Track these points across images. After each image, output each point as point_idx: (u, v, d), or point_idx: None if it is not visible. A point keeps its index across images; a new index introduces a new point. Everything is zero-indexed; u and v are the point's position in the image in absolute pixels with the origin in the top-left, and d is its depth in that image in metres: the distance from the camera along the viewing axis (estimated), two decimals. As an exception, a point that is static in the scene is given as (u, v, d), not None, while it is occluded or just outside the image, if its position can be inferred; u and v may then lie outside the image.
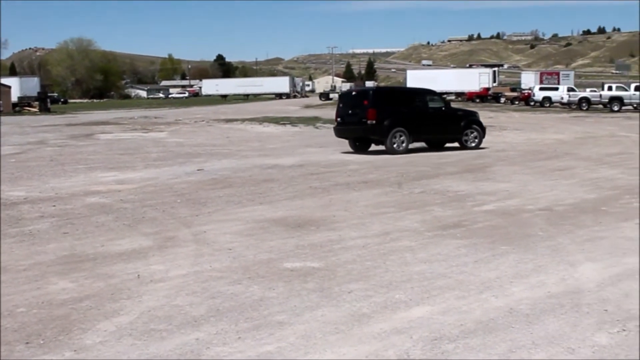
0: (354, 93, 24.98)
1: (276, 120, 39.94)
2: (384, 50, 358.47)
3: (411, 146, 22.72)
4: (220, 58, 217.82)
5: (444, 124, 23.39)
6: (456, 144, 23.47)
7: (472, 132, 23.45)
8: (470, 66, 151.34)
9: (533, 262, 8.09)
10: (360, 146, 22.68)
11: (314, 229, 9.96)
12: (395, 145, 21.93)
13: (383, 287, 7.06)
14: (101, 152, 23.14)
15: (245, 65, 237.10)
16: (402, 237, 9.41)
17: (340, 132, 23.48)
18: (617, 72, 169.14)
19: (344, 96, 25.52)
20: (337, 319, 6.14)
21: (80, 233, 9.92)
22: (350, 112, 22.86)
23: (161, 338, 5.70)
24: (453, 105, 27.69)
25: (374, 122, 21.90)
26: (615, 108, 53.90)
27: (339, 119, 23.37)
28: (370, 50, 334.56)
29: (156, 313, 6.31)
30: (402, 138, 22.06)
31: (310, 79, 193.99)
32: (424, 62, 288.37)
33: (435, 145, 23.50)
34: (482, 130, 23.74)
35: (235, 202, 12.39)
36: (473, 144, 23.28)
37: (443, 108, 23.81)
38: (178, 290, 6.99)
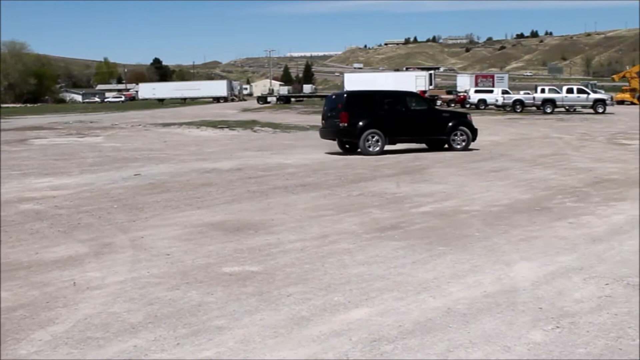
0: (333, 96, 25.28)
1: (214, 124, 39.71)
2: (321, 54, 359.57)
3: (407, 147, 23.53)
4: (157, 62, 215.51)
5: (426, 126, 23.43)
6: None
7: (461, 134, 23.45)
8: (407, 69, 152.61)
9: (470, 262, 8.20)
10: (350, 148, 23.15)
11: (252, 233, 9.94)
12: (368, 147, 22.36)
13: (322, 290, 7.08)
14: (35, 158, 22.70)
15: (183, 69, 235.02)
16: (341, 240, 9.45)
17: (321, 133, 24.56)
18: (550, 74, 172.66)
19: (327, 99, 25.95)
20: (276, 322, 6.14)
21: (13, 241, 9.71)
22: (329, 114, 23.78)
23: (98, 346, 5.62)
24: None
25: (345, 124, 22.55)
26: (548, 110, 54.95)
27: (322, 121, 24.43)
28: (308, 54, 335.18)
29: (93, 321, 6.22)
30: (375, 139, 22.43)
31: (248, 82, 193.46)
32: (355, 65, 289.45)
33: (434, 147, 23.67)
34: (471, 132, 23.69)
35: (173, 207, 12.28)
36: (459, 146, 23.27)
37: (426, 110, 24.09)
38: (115, 297, 6.90)
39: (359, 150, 22.47)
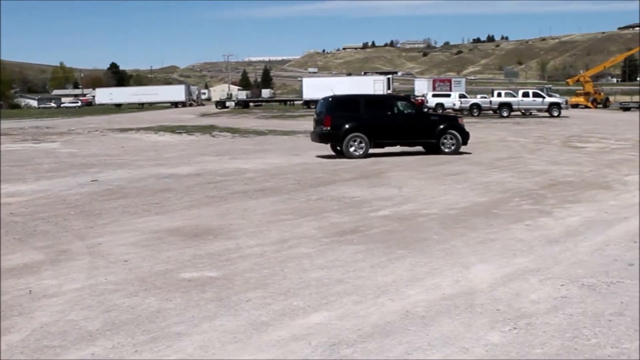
0: (321, 100, 25.11)
1: (172, 129, 39.52)
2: (280, 58, 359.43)
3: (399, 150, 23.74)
4: (114, 66, 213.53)
5: (413, 129, 23.38)
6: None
7: (450, 138, 23.29)
8: (365, 73, 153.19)
9: (428, 265, 8.26)
10: (341, 151, 23.18)
11: (211, 238, 9.90)
12: (352, 150, 22.53)
13: (281, 295, 7.08)
14: (-11, 164, 22.34)
15: (140, 74, 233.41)
16: (300, 244, 9.46)
17: (311, 136, 24.85)
18: (506, 78, 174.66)
19: (318, 102, 25.83)
20: (235, 328, 6.13)
21: (-33, 248, 9.55)
22: (316, 118, 24.09)
23: (55, 355, 5.56)
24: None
25: (329, 128, 22.87)
26: (505, 114, 55.58)
27: (314, 125, 24.56)
28: (267, 58, 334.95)
29: (49, 329, 6.15)
30: (359, 143, 22.56)
31: (207, 87, 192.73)
32: (310, 69, 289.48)
33: (431, 150, 23.49)
34: (461, 136, 23.47)
35: (130, 213, 12.18)
36: (448, 150, 23.17)
37: (414, 113, 24.08)
38: (72, 305, 6.82)
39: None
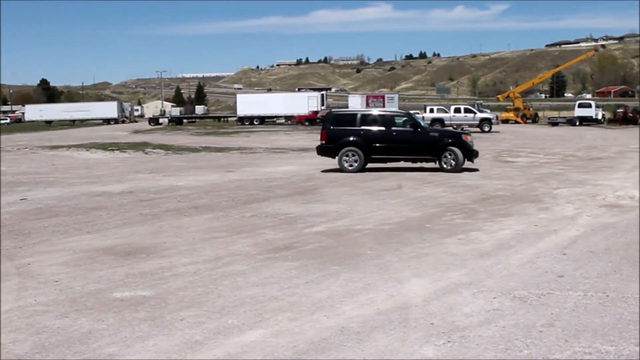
0: (326, 115, 25.42)
1: (104, 146, 38.89)
2: (213, 75, 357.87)
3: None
4: (44, 82, 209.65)
5: (411, 146, 22.90)
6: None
7: (450, 154, 22.43)
8: (299, 90, 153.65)
9: (362, 281, 8.29)
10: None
11: (144, 257, 9.77)
12: (346, 165, 22.73)
13: (215, 313, 7.02)
14: None
15: (71, 90, 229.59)
16: (234, 262, 9.40)
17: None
18: (438, 94, 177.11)
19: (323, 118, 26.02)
20: (169, 347, 6.05)
21: None
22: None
23: (-19, 379, 5.40)
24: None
25: (324, 142, 23.49)
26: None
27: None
28: (200, 74, 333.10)
29: (-24, 353, 5.97)
30: (353, 158, 22.68)
31: (139, 103, 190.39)
32: (236, 85, 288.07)
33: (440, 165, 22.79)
34: (463, 153, 22.50)
35: (61, 232, 11.95)
36: (448, 167, 22.41)
37: (414, 129, 23.15)
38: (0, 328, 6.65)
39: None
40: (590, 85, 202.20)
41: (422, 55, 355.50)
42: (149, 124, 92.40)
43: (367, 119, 23.84)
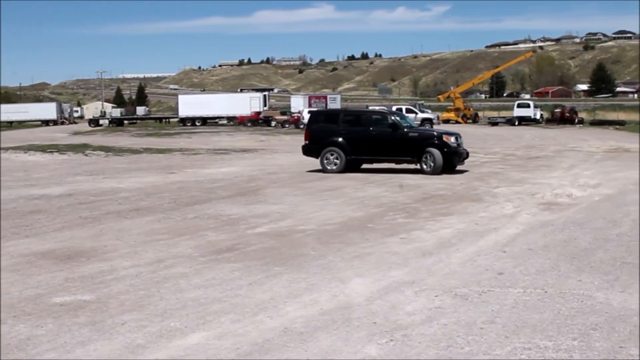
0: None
1: (43, 148, 38.19)
2: (155, 75, 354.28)
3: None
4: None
5: (389, 146, 22.13)
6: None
7: (429, 157, 21.39)
8: (242, 90, 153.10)
9: (306, 281, 8.30)
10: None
11: (84, 261, 9.62)
12: (327, 165, 22.43)
13: (158, 316, 6.96)
14: None
15: (9, 91, 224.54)
16: (176, 264, 9.33)
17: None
18: (380, 95, 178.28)
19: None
20: (110, 352, 5.97)
21: None
22: None
23: None
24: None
25: (307, 142, 23.36)
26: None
27: None
28: (141, 75, 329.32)
29: None
30: (334, 158, 22.34)
31: (79, 104, 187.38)
32: (172, 86, 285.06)
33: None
34: (442, 155, 21.34)
35: (-2, 237, 11.69)
36: (427, 169, 21.40)
37: (393, 129, 22.21)
38: None
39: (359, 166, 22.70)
40: (528, 85, 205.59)
41: (364, 56, 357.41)
42: (89, 125, 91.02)
43: (348, 118, 23.60)
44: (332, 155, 22.47)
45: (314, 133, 23.30)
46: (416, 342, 6.13)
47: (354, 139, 22.44)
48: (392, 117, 23.36)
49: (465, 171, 22.15)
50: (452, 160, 21.79)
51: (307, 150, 23.55)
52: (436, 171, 21.18)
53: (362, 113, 25.44)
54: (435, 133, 22.96)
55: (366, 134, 22.47)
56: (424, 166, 21.52)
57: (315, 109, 23.02)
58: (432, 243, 10.66)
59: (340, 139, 22.47)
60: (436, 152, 21.40)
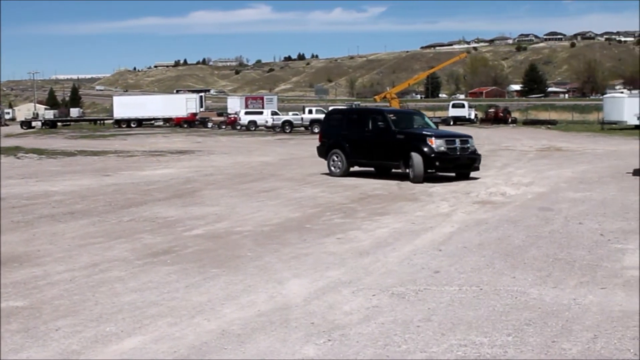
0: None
1: (-28, 152, 37.35)
2: (89, 76, 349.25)
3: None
4: None
5: (379, 149, 20.57)
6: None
7: (410, 161, 19.25)
8: (178, 91, 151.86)
9: (243, 283, 8.28)
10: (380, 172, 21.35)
11: (16, 266, 9.42)
12: (332, 168, 21.52)
13: (93, 321, 6.86)
14: None
15: None
16: (112, 268, 9.21)
17: None
18: (317, 96, 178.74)
19: None
20: (44, 359, 5.87)
21: None
22: None
23: None
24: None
25: (320, 144, 22.57)
26: (316, 130, 56.71)
27: None
28: (75, 76, 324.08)
29: None
30: (337, 160, 21.38)
31: (11, 106, 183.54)
32: (98, 87, 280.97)
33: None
34: (423, 160, 19.06)
35: None
36: (410, 174, 19.34)
37: (383, 129, 20.64)
38: None
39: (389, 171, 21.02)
40: (463, 86, 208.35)
41: (301, 57, 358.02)
42: (21, 127, 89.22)
43: (350, 118, 22.55)
44: (337, 157, 21.41)
45: (323, 134, 22.62)
46: (354, 342, 6.16)
47: (353, 141, 21.23)
48: (384, 116, 21.14)
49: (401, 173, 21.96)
50: (437, 165, 19.33)
51: (319, 153, 22.58)
52: (417, 179, 18.94)
53: (362, 112, 23.89)
54: (424, 134, 19.87)
55: (363, 136, 21.09)
56: (408, 171, 19.50)
57: (332, 109, 21.16)
58: (369, 243, 10.73)
59: (342, 141, 21.41)
60: (417, 156, 19.08)
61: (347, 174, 21.13)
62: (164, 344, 6.15)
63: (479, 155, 20.62)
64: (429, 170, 19.30)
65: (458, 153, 19.83)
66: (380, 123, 20.79)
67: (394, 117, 21.17)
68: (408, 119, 22.15)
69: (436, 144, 19.30)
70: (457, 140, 20.05)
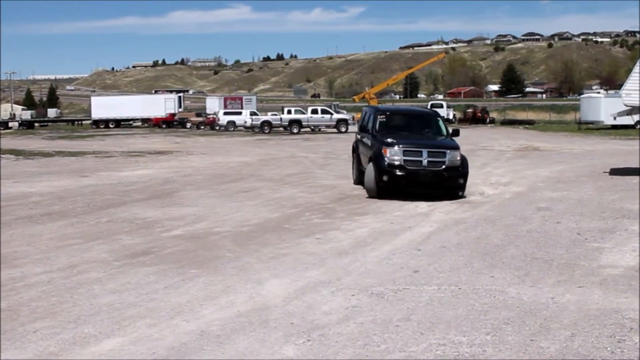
0: None
1: (-52, 153, 37.01)
2: (67, 77, 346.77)
3: None
4: None
5: (358, 152, 18.92)
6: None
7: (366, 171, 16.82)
8: (156, 92, 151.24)
9: (222, 283, 8.27)
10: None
11: (-7, 268, 9.34)
12: (352, 175, 19.45)
13: (71, 323, 6.82)
14: None
15: None
16: (90, 269, 9.15)
17: None
18: (295, 96, 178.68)
19: None
20: (21, 360, 5.83)
21: None
22: None
23: None
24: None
25: None
26: (295, 130, 56.75)
27: None
28: (52, 76, 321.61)
29: None
30: (355, 167, 19.23)
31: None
32: (68, 87, 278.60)
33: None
34: (376, 172, 16.02)
35: None
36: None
37: (371, 131, 17.84)
38: None
39: None
40: (441, 86, 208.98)
41: (280, 57, 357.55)
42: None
43: (363, 120, 19.69)
44: (354, 163, 19.31)
45: (356, 138, 19.93)
46: (333, 342, 6.17)
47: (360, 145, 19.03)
48: (374, 116, 18.28)
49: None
50: (385, 180, 16.00)
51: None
52: (369, 192, 16.36)
53: (366, 110, 20.49)
54: (385, 141, 16.56)
55: (360, 140, 19.22)
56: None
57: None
58: (348, 243, 10.74)
59: (354, 145, 19.72)
60: (369, 167, 16.55)
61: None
62: (142, 345, 6.13)
63: (462, 172, 16.25)
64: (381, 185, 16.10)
65: (422, 167, 15.96)
66: (369, 123, 18.42)
67: (384, 119, 18.01)
68: (407, 120, 18.86)
69: (389, 154, 16.00)
70: (425, 151, 16.05)
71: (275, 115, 65.43)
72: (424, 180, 16.21)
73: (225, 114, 69.19)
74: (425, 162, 15.99)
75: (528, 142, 39.08)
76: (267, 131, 58.37)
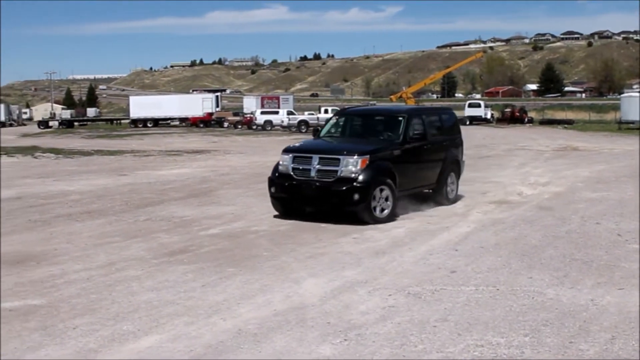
0: None
1: (-10, 151, 37.56)
2: (105, 76, 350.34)
3: None
4: None
5: None
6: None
7: None
8: (194, 91, 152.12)
9: (259, 282, 8.29)
10: None
11: (34, 265, 9.48)
12: None
13: (110, 320, 6.89)
14: None
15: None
16: (128, 267, 9.24)
17: None
18: (332, 95, 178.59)
19: None
20: (61, 357, 5.91)
21: None
22: None
23: None
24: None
25: None
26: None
27: None
28: (92, 76, 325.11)
29: None
30: None
31: (28, 106, 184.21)
32: (101, 87, 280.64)
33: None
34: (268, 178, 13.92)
35: (-55, 241, 11.45)
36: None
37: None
38: None
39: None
40: (479, 85, 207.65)
41: (317, 57, 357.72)
42: (39, 127, 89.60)
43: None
44: None
45: None
46: (370, 341, 6.16)
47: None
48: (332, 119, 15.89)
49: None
50: (272, 192, 13.60)
51: None
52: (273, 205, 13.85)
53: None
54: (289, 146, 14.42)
55: None
56: None
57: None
58: (385, 242, 10.71)
59: None
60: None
61: None
62: (180, 343, 6.17)
63: (358, 187, 12.50)
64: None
65: (310, 178, 12.93)
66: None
67: (335, 120, 15.68)
68: (363, 122, 15.41)
69: (282, 161, 13.63)
70: (316, 158, 13.01)
71: (312, 114, 65.54)
72: (308, 194, 12.95)
73: (262, 113, 69.43)
74: (313, 171, 12.94)
75: (567, 141, 38.66)
76: (304, 130, 58.49)
